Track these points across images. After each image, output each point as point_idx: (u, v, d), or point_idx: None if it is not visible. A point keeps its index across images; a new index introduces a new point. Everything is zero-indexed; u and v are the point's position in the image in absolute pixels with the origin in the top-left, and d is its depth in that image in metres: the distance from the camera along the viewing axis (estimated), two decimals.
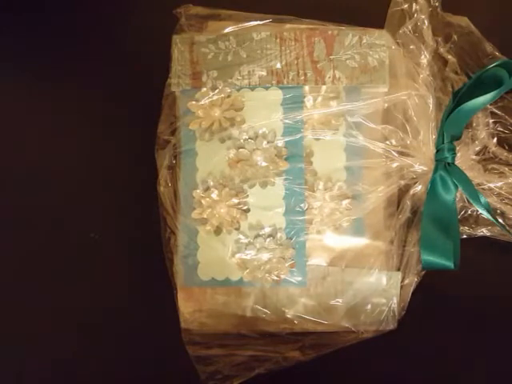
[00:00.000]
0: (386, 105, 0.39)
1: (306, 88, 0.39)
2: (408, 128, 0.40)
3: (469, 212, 0.40)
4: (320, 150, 0.39)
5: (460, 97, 0.39)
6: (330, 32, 0.39)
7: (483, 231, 0.40)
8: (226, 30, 0.40)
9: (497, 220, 0.39)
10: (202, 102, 0.39)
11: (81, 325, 0.43)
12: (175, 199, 0.40)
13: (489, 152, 0.40)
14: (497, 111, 0.41)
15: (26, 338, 0.43)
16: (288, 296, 0.39)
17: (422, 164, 0.40)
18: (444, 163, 0.39)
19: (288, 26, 0.40)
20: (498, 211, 0.40)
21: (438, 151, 0.39)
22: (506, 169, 0.40)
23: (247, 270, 0.39)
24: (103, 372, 0.43)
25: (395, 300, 0.39)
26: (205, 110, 0.39)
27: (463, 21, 0.41)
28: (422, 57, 0.40)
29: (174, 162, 0.41)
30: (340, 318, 0.39)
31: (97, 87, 0.45)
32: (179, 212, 0.40)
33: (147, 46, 0.44)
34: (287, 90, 0.39)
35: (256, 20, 0.40)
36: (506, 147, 0.41)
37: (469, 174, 0.39)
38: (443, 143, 0.39)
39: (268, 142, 0.39)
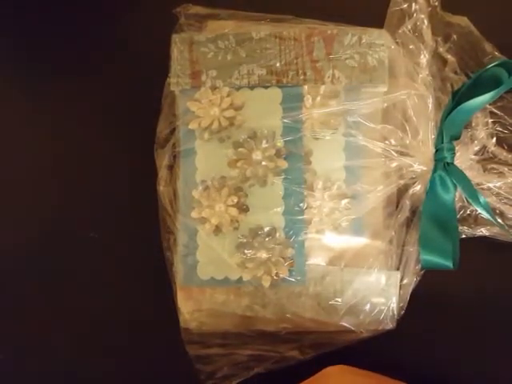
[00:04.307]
0: (386, 104, 0.39)
1: (306, 87, 0.39)
2: (407, 128, 0.40)
3: (468, 212, 0.40)
4: (319, 149, 0.39)
5: (459, 96, 0.39)
6: (329, 31, 0.39)
7: (482, 231, 0.40)
8: (226, 30, 0.40)
9: (496, 220, 0.39)
10: (202, 102, 0.39)
11: (80, 324, 0.43)
12: (175, 199, 0.40)
13: (488, 152, 0.40)
14: (496, 111, 0.41)
15: (26, 337, 0.43)
16: (287, 295, 0.39)
17: (421, 164, 0.40)
18: (443, 163, 0.39)
19: (287, 25, 0.40)
20: (497, 211, 0.40)
21: (437, 151, 0.39)
22: (506, 169, 0.40)
23: (246, 270, 0.39)
24: (102, 371, 0.43)
25: (394, 300, 0.39)
26: (204, 110, 0.39)
27: (463, 21, 0.41)
28: (422, 56, 0.40)
29: (174, 161, 0.41)
30: (339, 317, 0.39)
31: (96, 87, 0.45)
32: (179, 211, 0.40)
33: (147, 46, 0.44)
34: (287, 89, 0.39)
35: (255, 19, 0.40)
36: (506, 147, 0.41)
37: (468, 173, 0.39)
38: (442, 143, 0.39)
39: (267, 142, 0.39)
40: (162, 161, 0.40)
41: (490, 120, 0.41)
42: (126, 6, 0.46)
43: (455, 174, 0.39)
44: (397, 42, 0.40)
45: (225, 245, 0.39)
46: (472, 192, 0.39)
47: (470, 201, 0.39)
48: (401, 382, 0.38)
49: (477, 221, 0.40)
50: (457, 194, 0.40)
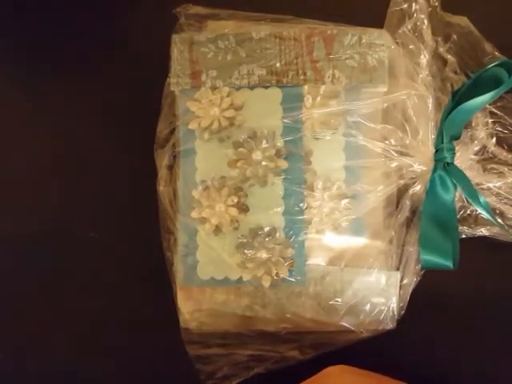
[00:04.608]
0: (386, 104, 0.39)
1: (306, 87, 0.39)
2: (407, 128, 0.40)
3: (468, 212, 0.40)
4: (319, 149, 0.39)
5: (459, 97, 0.39)
6: (329, 31, 0.39)
7: (482, 231, 0.40)
8: (226, 30, 0.40)
9: (496, 220, 0.39)
10: (202, 102, 0.39)
11: (80, 324, 0.43)
12: (175, 199, 0.40)
13: (488, 152, 0.40)
14: (496, 111, 0.41)
15: (26, 337, 0.43)
16: (287, 295, 0.39)
17: (421, 164, 0.40)
18: (443, 163, 0.39)
19: (287, 25, 0.40)
20: (497, 211, 0.40)
21: (437, 151, 0.39)
22: (506, 169, 0.40)
23: (246, 270, 0.39)
24: (102, 371, 0.43)
25: (394, 300, 0.39)
26: (204, 110, 0.39)
27: (463, 21, 0.41)
28: (422, 56, 0.40)
29: (174, 161, 0.41)
30: (339, 317, 0.39)
31: (96, 87, 0.45)
32: (179, 211, 0.40)
33: (147, 46, 0.44)
34: (287, 89, 0.39)
35: (255, 19, 0.40)
36: (505, 147, 0.41)
37: (468, 173, 0.39)
38: (442, 143, 0.39)
39: (267, 142, 0.39)
40: (162, 161, 0.40)
41: (490, 120, 0.41)
42: (126, 6, 0.46)
43: (455, 174, 0.39)
44: (397, 42, 0.40)
45: (225, 245, 0.39)
46: (472, 192, 0.39)
47: (470, 201, 0.39)
48: (401, 382, 0.38)
49: (477, 221, 0.40)
50: (457, 194, 0.40)
